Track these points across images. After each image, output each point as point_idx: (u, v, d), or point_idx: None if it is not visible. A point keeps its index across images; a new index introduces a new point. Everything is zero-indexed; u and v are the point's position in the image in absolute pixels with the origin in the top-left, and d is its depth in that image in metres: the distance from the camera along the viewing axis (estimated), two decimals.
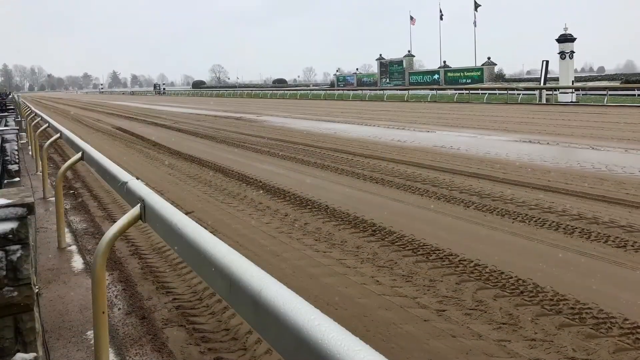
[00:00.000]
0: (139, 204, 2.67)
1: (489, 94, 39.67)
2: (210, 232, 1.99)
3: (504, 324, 3.67)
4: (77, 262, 5.10)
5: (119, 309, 4.06)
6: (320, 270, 4.76)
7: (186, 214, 2.28)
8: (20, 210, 2.78)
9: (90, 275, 4.18)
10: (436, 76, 66.22)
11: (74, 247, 5.60)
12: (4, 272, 2.69)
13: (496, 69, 62.04)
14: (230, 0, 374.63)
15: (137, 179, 3.12)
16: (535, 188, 7.85)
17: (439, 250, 5.19)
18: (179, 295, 4.30)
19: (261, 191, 8.22)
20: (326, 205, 7.07)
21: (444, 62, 66.96)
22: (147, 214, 2.61)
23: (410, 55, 71.56)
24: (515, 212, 6.50)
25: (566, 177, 8.68)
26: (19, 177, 8.91)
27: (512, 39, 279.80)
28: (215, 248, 1.84)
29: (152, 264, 5.06)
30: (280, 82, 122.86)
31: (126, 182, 3.06)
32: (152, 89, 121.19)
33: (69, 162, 5.43)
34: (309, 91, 68.04)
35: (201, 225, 2.11)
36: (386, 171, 9.60)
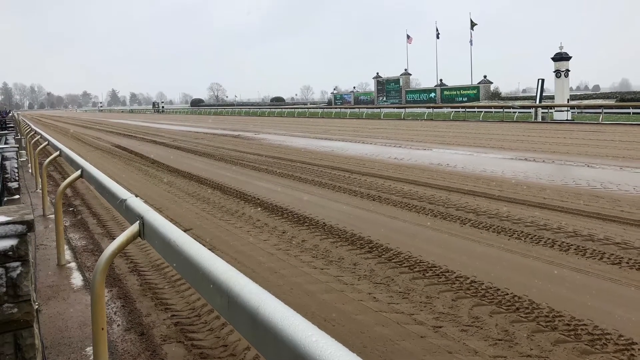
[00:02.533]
0: (138, 221, 2.72)
1: (485, 112, 39.95)
2: (209, 249, 2.04)
3: (499, 340, 3.70)
4: (77, 279, 5.12)
5: (118, 325, 4.08)
6: (317, 287, 4.79)
7: (185, 231, 2.33)
8: (20, 228, 2.82)
9: (90, 291, 4.21)
10: (433, 94, 66.72)
11: (73, 264, 5.63)
12: (4, 289, 2.73)
13: (492, 87, 62.59)
14: (228, 19, 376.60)
15: (136, 196, 3.17)
16: (531, 205, 7.91)
17: (435, 267, 5.23)
18: (178, 311, 4.32)
19: (259, 208, 8.26)
20: (323, 223, 7.11)
21: (441, 80, 67.55)
22: (145, 231, 2.65)
23: (406, 74, 72.20)
24: (511, 229, 6.55)
25: (562, 194, 8.75)
26: (19, 195, 8.94)
27: (508, 57, 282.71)
28: (214, 265, 1.88)
29: (150, 281, 5.08)
30: (277, 101, 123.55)
31: (125, 200, 3.11)
32: (150, 107, 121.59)
33: (68, 179, 5.47)
34: (306, 109, 68.31)
35: (199, 242, 2.16)
36: (383, 189, 9.66)
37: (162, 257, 2.51)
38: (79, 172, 5.24)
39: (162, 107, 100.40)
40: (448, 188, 9.53)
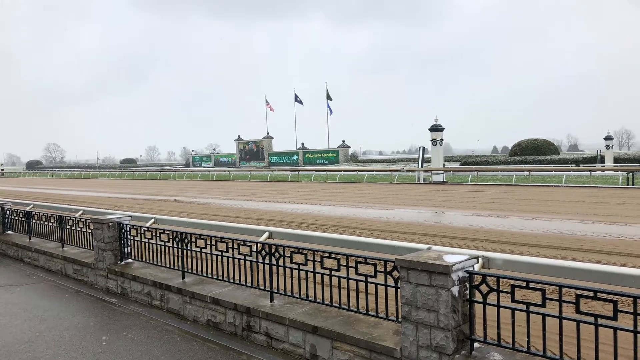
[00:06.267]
0: None
1: (343, 173, 42.26)
2: None
3: None
4: None
5: None
6: None
7: None
8: None
9: None
10: (295, 157, 68.89)
11: None
12: None
13: (350, 150, 66.76)
14: (50, 76, 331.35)
15: None
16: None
17: None
18: None
19: None
20: None
21: (302, 143, 70.21)
22: None
23: (269, 137, 73.90)
24: None
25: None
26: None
27: (371, 122, 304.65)
28: None
29: None
30: (128, 162, 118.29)
31: None
32: None
33: None
34: (158, 171, 65.64)
35: None
36: None
37: None
38: None
39: (2, 170, 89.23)
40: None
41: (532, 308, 3.51)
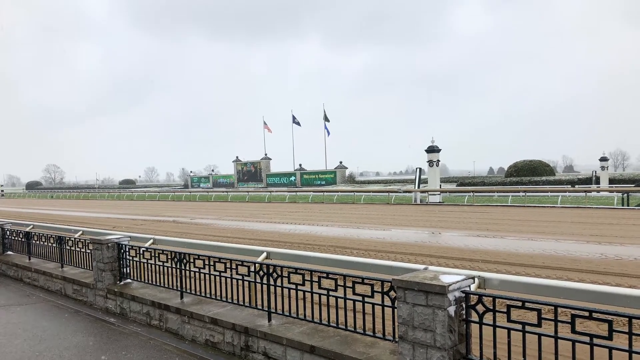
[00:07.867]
0: None
1: (340, 194, 42.32)
2: None
3: None
4: None
5: None
6: None
7: None
8: None
9: None
10: (293, 178, 69.02)
11: None
12: None
13: (347, 172, 66.91)
14: (47, 98, 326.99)
15: None
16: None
17: None
18: None
19: None
20: None
21: (300, 164, 70.39)
22: None
23: (267, 158, 74.13)
24: None
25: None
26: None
27: (368, 143, 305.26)
28: None
29: None
30: (128, 183, 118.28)
31: None
32: None
33: None
34: (157, 193, 65.47)
35: None
36: None
37: None
38: None
39: (2, 190, 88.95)
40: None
41: (528, 328, 3.57)
